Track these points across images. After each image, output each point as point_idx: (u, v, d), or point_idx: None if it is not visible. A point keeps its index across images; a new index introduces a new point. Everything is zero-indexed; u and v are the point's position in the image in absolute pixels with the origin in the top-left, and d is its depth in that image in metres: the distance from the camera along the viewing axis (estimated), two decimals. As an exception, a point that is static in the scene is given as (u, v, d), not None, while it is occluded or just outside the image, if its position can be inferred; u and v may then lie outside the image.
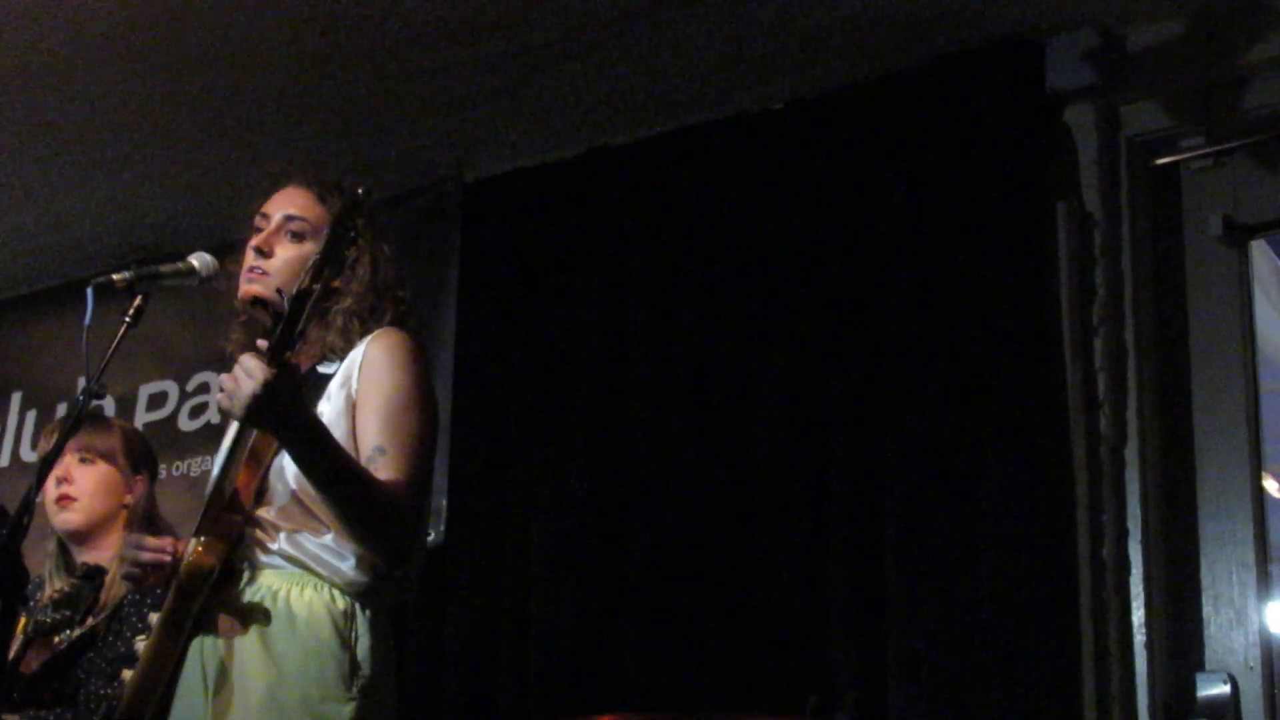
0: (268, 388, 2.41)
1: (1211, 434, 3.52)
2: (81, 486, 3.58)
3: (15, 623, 2.98)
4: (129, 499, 3.62)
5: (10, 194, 4.77)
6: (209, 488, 2.69)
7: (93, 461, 3.61)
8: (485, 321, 4.34)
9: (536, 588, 3.98)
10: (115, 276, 2.73)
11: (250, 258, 2.80)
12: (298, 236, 2.80)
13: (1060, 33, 3.68)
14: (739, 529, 3.75)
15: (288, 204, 2.85)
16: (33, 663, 3.36)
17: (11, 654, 3.04)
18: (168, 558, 2.60)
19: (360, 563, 2.62)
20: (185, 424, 4.87)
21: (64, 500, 3.56)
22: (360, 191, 2.59)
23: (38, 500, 2.63)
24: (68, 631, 3.37)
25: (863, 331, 3.72)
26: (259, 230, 2.84)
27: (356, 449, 2.64)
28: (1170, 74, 3.66)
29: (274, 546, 2.63)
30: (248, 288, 2.79)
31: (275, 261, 2.78)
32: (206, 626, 2.60)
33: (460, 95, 4.15)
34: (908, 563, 3.49)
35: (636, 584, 3.84)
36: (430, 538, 4.17)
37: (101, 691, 3.29)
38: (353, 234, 2.57)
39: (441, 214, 4.49)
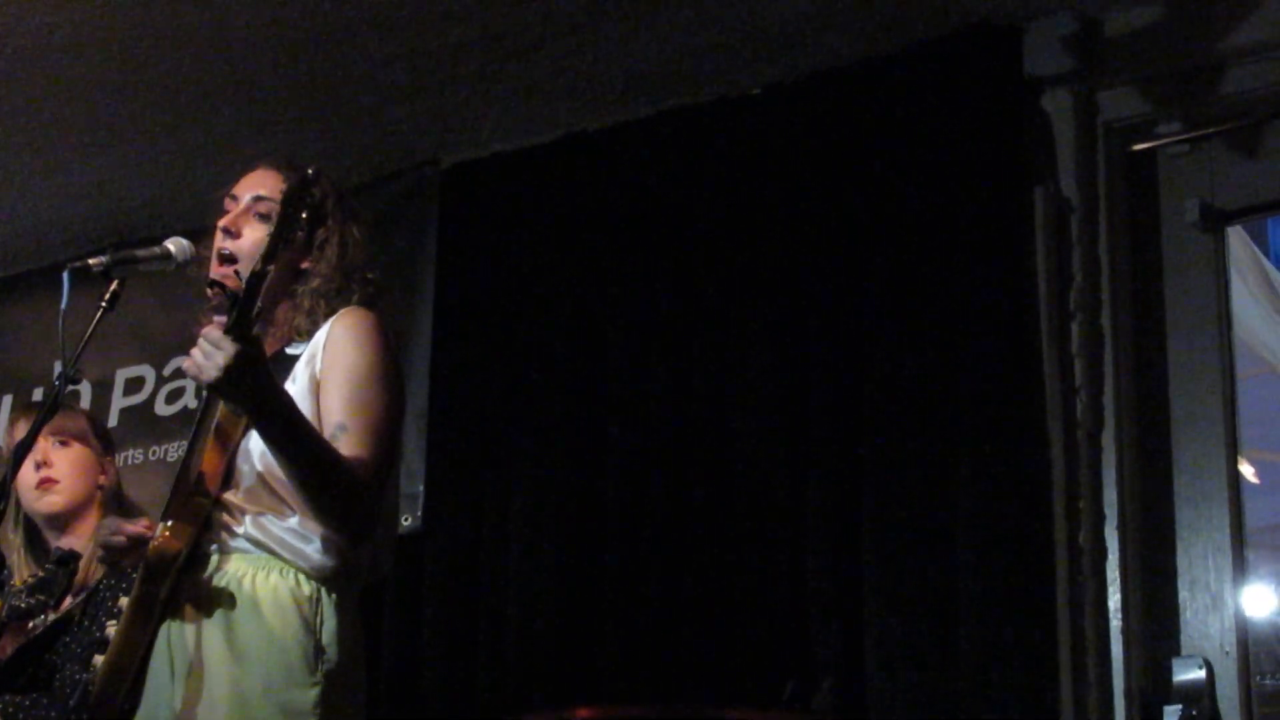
0: (239, 359, 2.39)
1: (1188, 419, 3.53)
2: (61, 468, 3.58)
3: (-11, 608, 2.98)
4: (103, 480, 3.63)
5: (-15, 178, 4.75)
6: (177, 470, 2.69)
7: (68, 444, 3.61)
8: (463, 307, 4.33)
9: (514, 575, 3.97)
10: (91, 261, 2.72)
11: (218, 239, 2.80)
12: (265, 217, 2.78)
13: (1038, 18, 3.68)
14: (717, 516, 3.75)
15: (256, 185, 2.85)
16: (7, 648, 3.35)
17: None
18: (126, 540, 2.59)
19: (326, 546, 2.61)
20: (162, 409, 4.85)
21: (46, 483, 3.56)
22: (310, 171, 2.58)
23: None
24: (42, 616, 3.36)
25: (839, 319, 3.72)
26: (228, 212, 2.83)
27: (320, 427, 2.62)
28: (1148, 60, 3.66)
29: (239, 530, 2.63)
30: (217, 268, 2.78)
31: (243, 242, 2.77)
32: (175, 612, 2.59)
33: (437, 80, 4.13)
34: (885, 548, 3.49)
35: (615, 573, 3.83)
36: (408, 523, 4.17)
37: (77, 676, 3.28)
38: (304, 212, 2.56)
39: (419, 199, 4.48)
